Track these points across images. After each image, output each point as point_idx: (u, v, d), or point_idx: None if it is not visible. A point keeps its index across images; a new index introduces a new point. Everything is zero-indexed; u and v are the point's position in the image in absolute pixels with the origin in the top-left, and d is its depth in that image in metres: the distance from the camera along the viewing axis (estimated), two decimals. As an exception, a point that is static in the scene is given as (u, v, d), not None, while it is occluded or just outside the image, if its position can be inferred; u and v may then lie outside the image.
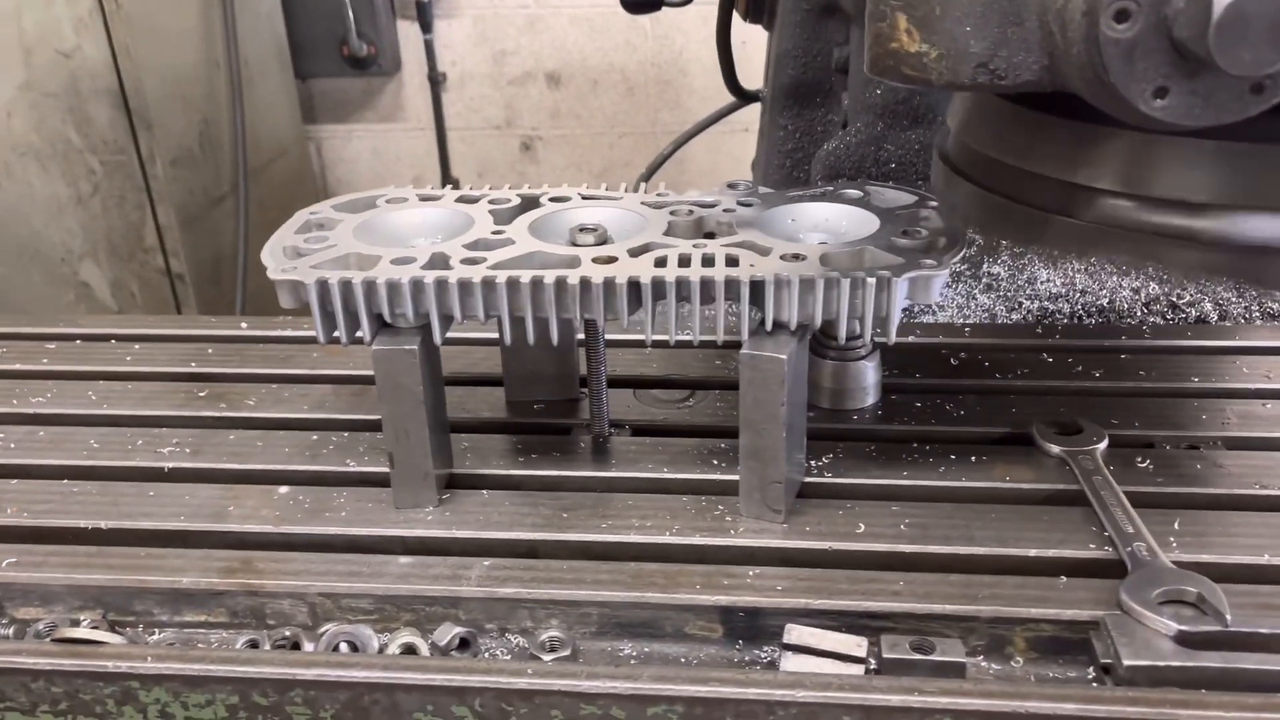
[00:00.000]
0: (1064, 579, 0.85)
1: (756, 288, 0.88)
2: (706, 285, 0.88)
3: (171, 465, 1.06)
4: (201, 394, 1.19)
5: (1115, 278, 1.41)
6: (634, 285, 0.88)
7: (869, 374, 1.11)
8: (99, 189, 2.75)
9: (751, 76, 1.90)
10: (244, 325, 1.35)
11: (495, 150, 3.71)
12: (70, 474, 1.06)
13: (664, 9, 1.77)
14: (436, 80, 3.57)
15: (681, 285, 0.88)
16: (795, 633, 0.81)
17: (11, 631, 0.88)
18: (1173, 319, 1.37)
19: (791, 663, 0.81)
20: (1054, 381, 1.14)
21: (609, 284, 0.88)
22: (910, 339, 1.25)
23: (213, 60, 3.01)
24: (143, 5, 2.66)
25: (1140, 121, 0.74)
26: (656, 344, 1.18)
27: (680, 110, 3.55)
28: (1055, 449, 1.01)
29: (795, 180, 1.65)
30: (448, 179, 3.73)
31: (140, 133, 2.70)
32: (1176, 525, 0.90)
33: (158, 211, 2.82)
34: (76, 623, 0.89)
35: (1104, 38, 0.70)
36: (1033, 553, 0.88)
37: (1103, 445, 1.01)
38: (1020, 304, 1.41)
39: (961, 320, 1.41)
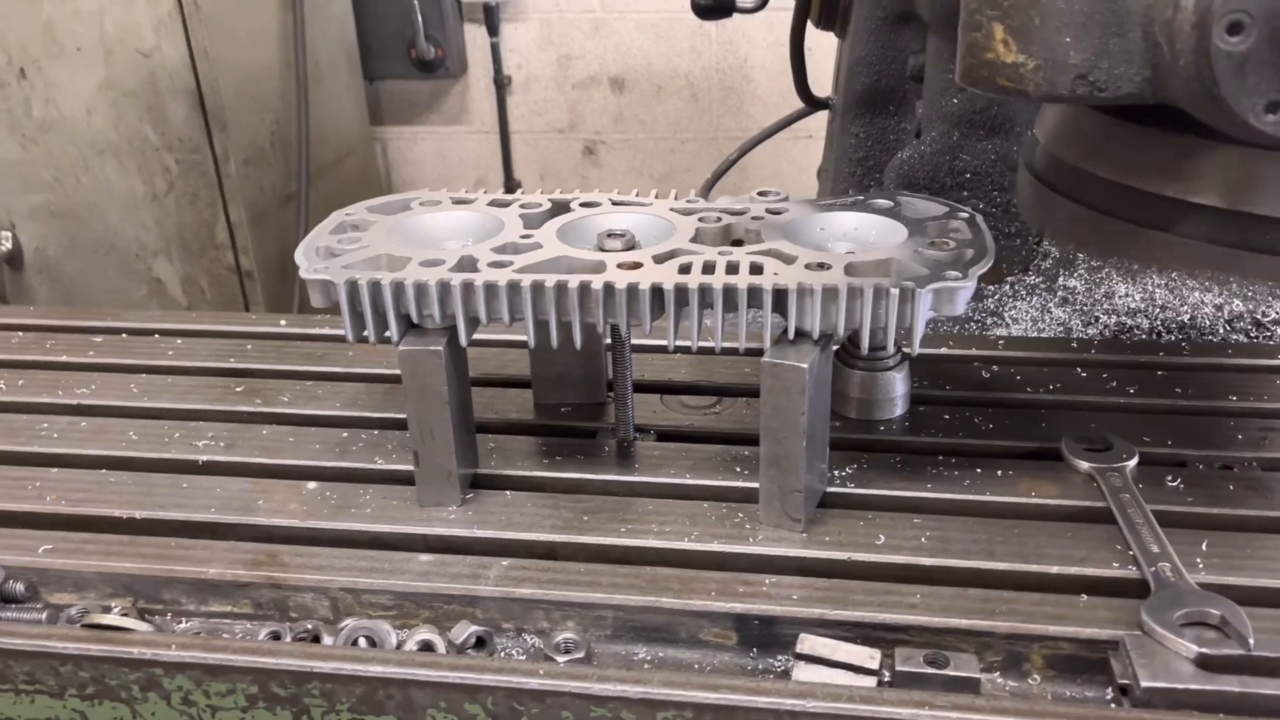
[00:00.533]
0: (1085, 597, 0.84)
1: (780, 296, 0.88)
2: (729, 292, 0.89)
3: (206, 458, 1.08)
4: (238, 389, 1.22)
5: (1197, 293, 1.38)
6: (657, 291, 0.89)
7: (897, 385, 1.10)
8: (174, 186, 2.81)
9: (819, 83, 1.89)
10: (283, 323, 1.37)
11: (558, 154, 3.73)
12: (108, 464, 1.08)
13: (733, 15, 1.77)
14: (502, 83, 3.60)
15: (705, 292, 0.89)
16: (808, 643, 0.81)
17: (44, 616, 0.91)
18: (1256, 336, 1.34)
19: (804, 672, 0.80)
20: (1086, 397, 1.13)
21: (632, 289, 0.89)
22: (942, 350, 1.24)
23: (286, 61, 3.06)
24: (220, 6, 2.71)
25: (1249, 136, 0.72)
26: (680, 349, 1.18)
27: (743, 117, 3.54)
28: (1083, 465, 1.00)
29: (866, 188, 1.64)
30: (510, 182, 3.76)
31: (215, 132, 2.75)
32: (1204, 546, 0.88)
33: (229, 209, 2.87)
34: (108, 609, 0.91)
35: (1215, 50, 0.68)
36: (1054, 570, 0.87)
37: (1132, 463, 1.00)
38: (1097, 318, 1.39)
39: (1035, 333, 1.40)
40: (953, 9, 1.40)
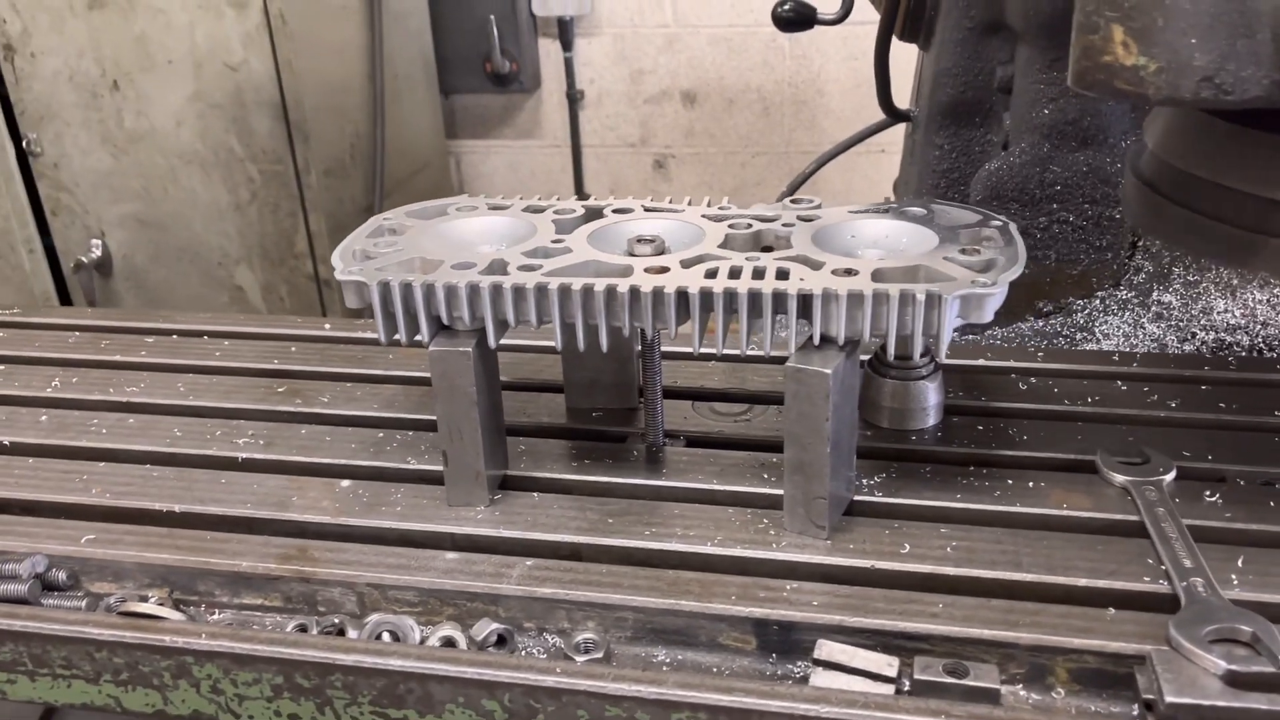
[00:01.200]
0: (1112, 611, 0.82)
1: (805, 301, 0.88)
2: (754, 297, 0.89)
3: (245, 455, 1.11)
4: (280, 389, 1.24)
5: None
6: (682, 295, 0.89)
7: (930, 394, 1.09)
8: (256, 196, 2.87)
9: (896, 95, 1.88)
10: (327, 326, 1.40)
11: (629, 167, 3.75)
12: (153, 459, 1.12)
13: (813, 27, 1.76)
14: (574, 97, 3.63)
15: (730, 296, 0.89)
16: (826, 649, 0.81)
17: (84, 604, 0.94)
18: None
19: (821, 678, 0.80)
20: (1126, 410, 1.11)
21: (657, 293, 0.89)
22: (979, 362, 1.22)
23: (366, 75, 3.12)
24: (306, 22, 2.77)
25: None
26: (706, 356, 1.18)
27: (815, 131, 3.53)
28: (1118, 478, 0.98)
29: (950, 200, 1.62)
30: (581, 195, 3.79)
31: (298, 144, 2.81)
32: (1240, 562, 0.86)
33: (309, 219, 2.92)
34: (145, 599, 0.94)
35: None
36: (1082, 582, 0.86)
37: (1169, 477, 0.98)
38: (1193, 334, 1.36)
39: (1128, 349, 1.37)
40: (1048, 17, 1.39)
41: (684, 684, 0.77)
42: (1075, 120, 1.44)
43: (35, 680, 0.89)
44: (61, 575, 0.96)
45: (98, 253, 2.93)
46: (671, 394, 1.18)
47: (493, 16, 3.46)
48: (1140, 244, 1.51)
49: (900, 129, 1.85)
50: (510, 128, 3.79)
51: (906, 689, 0.79)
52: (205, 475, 1.08)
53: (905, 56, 1.77)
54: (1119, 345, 1.39)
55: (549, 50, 3.61)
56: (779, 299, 0.89)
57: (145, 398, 1.24)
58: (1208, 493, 0.96)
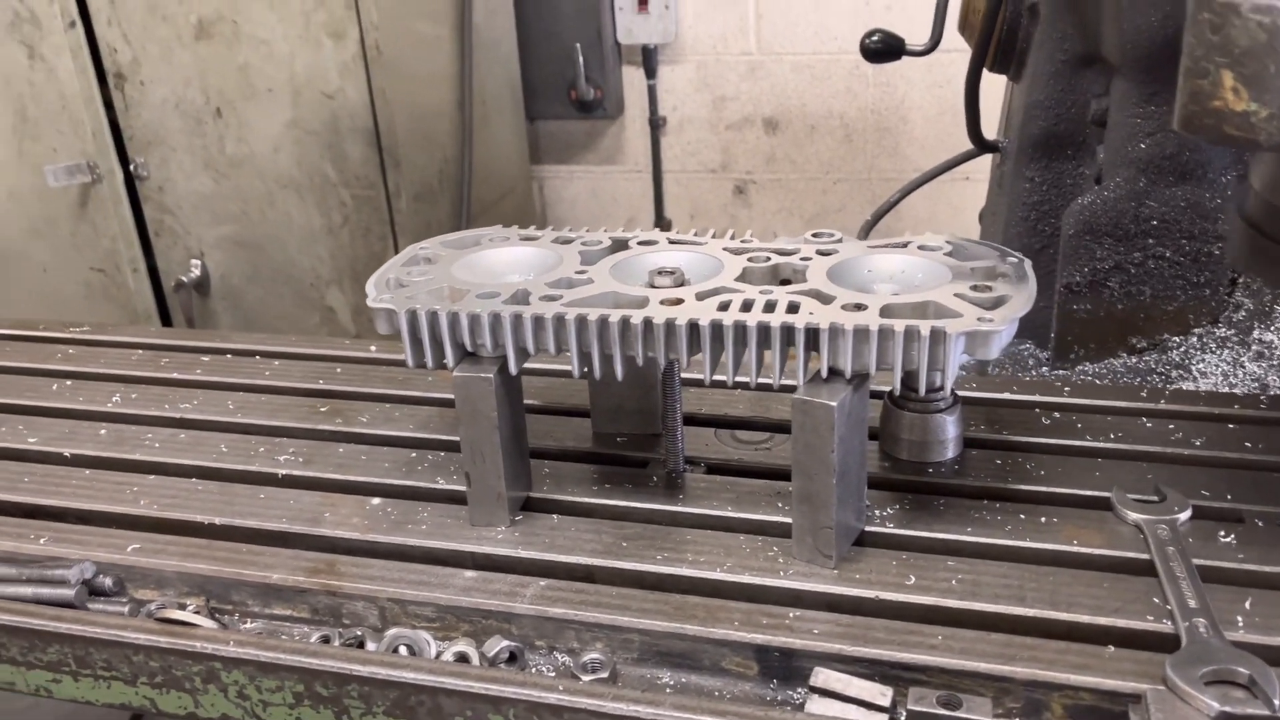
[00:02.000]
0: (1111, 649, 0.83)
1: (812, 334, 0.90)
2: (763, 329, 0.91)
3: (285, 472, 1.16)
4: (323, 409, 1.30)
5: None
6: (693, 326, 0.92)
7: (949, 428, 1.10)
8: (348, 220, 2.97)
9: (984, 125, 1.89)
10: (373, 348, 1.46)
11: (709, 193, 3.79)
12: (198, 473, 1.18)
13: (902, 58, 1.77)
14: (657, 124, 3.69)
15: (738, 329, 0.92)
16: (822, 676, 0.83)
17: (127, 610, 0.99)
18: None
19: (817, 705, 0.82)
20: (1148, 447, 1.10)
21: (669, 325, 0.92)
22: (1005, 395, 1.23)
23: (455, 102, 3.21)
24: (400, 51, 2.86)
25: None
26: (716, 384, 1.20)
27: (898, 158, 3.54)
28: (1132, 516, 0.98)
29: (1040, 233, 1.61)
30: (661, 220, 3.84)
31: (389, 169, 2.90)
32: (1248, 604, 0.86)
33: (399, 243, 3.01)
34: (183, 607, 0.99)
35: None
36: (1084, 619, 0.86)
37: (1184, 515, 0.97)
38: None
39: (1227, 388, 1.36)
40: (1146, 51, 1.39)
41: (680, 706, 0.79)
42: (1174, 155, 1.41)
43: (78, 680, 0.95)
44: (108, 581, 1.02)
45: (197, 273, 3.05)
46: (695, 421, 1.21)
47: (579, 44, 3.54)
48: (1240, 281, 1.49)
49: (986, 156, 1.84)
50: (593, 153, 3.85)
51: (900, 719, 0.80)
52: (246, 490, 1.13)
53: (993, 87, 1.77)
54: (1217, 384, 1.36)
55: (632, 77, 3.68)
56: (787, 332, 0.91)
57: (197, 414, 1.30)
58: (1222, 533, 0.95)
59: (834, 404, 0.88)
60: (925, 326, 0.87)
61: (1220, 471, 1.05)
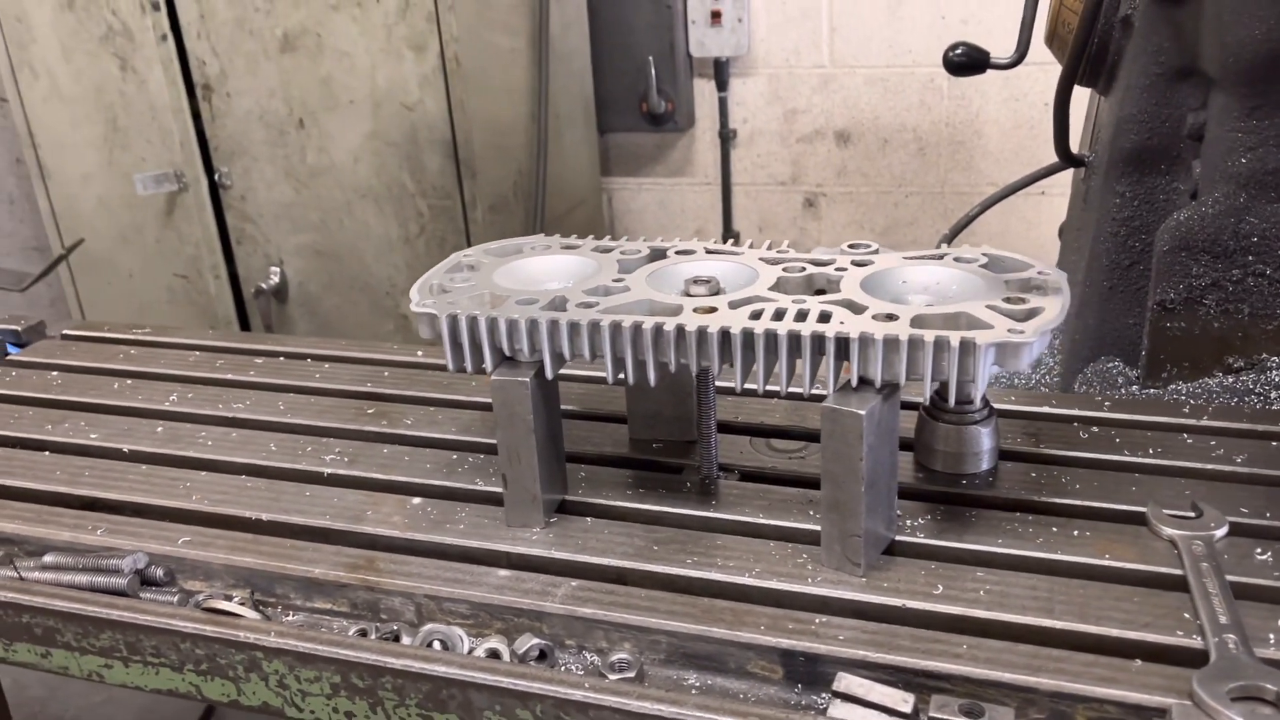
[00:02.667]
0: (1139, 662, 0.82)
1: (842, 344, 0.91)
2: (794, 338, 0.93)
3: (330, 471, 1.20)
4: (370, 411, 1.33)
5: None
6: (725, 334, 0.94)
7: (984, 439, 1.10)
8: (425, 230, 3.00)
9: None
10: (420, 353, 1.49)
11: (779, 206, 3.79)
12: (248, 471, 1.22)
13: (986, 71, 1.74)
14: (727, 136, 3.70)
15: (769, 338, 0.93)
16: (845, 681, 0.83)
17: (176, 600, 1.03)
18: None
19: (839, 710, 0.82)
20: (1187, 463, 1.09)
21: (701, 333, 0.94)
22: (1044, 409, 1.22)
23: (530, 114, 3.24)
24: (478, 64, 2.91)
25: None
26: (747, 392, 1.21)
27: (972, 172, 3.51)
28: (1167, 531, 0.97)
29: (1130, 249, 1.58)
30: (729, 232, 3.84)
31: (465, 180, 2.93)
32: (1281, 622, 0.85)
33: None
34: (229, 598, 1.02)
35: None
36: (1114, 632, 0.86)
37: (1220, 532, 0.96)
38: None
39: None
40: (1248, 64, 1.35)
41: (703, 706, 0.81)
42: (1276, 170, 1.36)
43: (129, 666, 0.99)
44: (159, 572, 1.06)
45: (276, 280, 3.11)
46: (732, 429, 1.22)
47: (651, 57, 3.56)
48: None
49: (1065, 171, 1.81)
50: (662, 165, 3.87)
51: (922, 726, 0.81)
52: (292, 488, 1.17)
53: (1076, 100, 1.70)
54: None
55: (703, 90, 3.69)
56: (818, 341, 0.92)
57: (249, 414, 1.35)
58: (1259, 550, 0.94)
59: (863, 413, 0.89)
60: (955, 337, 0.88)
61: (1260, 489, 1.04)
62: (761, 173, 3.75)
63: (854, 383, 0.92)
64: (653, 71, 3.58)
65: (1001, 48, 1.74)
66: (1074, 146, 1.73)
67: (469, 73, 2.82)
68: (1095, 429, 1.17)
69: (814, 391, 0.96)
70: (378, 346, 1.54)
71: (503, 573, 1.00)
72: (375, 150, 2.92)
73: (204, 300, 3.18)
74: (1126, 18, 1.55)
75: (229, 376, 1.46)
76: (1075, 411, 1.21)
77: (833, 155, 3.64)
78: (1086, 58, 1.58)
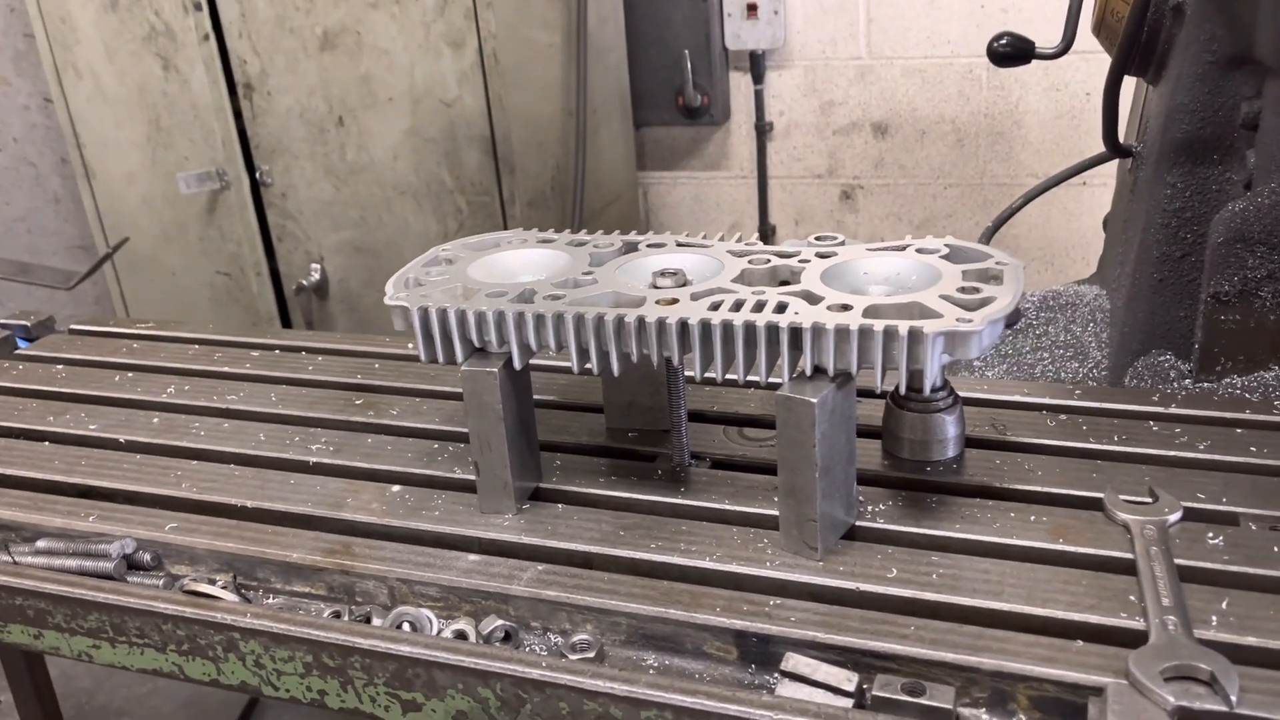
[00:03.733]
0: (1080, 643, 0.84)
1: (795, 334, 0.94)
2: (749, 329, 0.95)
3: (315, 460, 1.23)
4: (358, 401, 1.37)
5: None
6: (683, 325, 0.96)
7: (949, 427, 1.12)
8: (463, 226, 3.01)
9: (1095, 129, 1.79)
10: (410, 346, 1.52)
11: (815, 199, 3.78)
12: (237, 460, 1.26)
13: (1031, 62, 1.73)
14: (763, 129, 3.69)
15: (726, 328, 0.95)
16: (792, 661, 0.86)
17: (162, 583, 1.07)
18: None
19: (786, 689, 0.85)
20: (1150, 450, 1.11)
21: (661, 323, 0.97)
22: (1015, 398, 1.24)
23: (567, 110, 3.24)
24: (516, 59, 2.92)
25: None
26: (707, 380, 1.23)
27: (1011, 163, 3.49)
28: (1120, 516, 0.99)
29: (1181, 240, 1.57)
30: (765, 226, 3.83)
31: (504, 176, 2.93)
32: (1224, 605, 0.87)
33: None
34: (213, 582, 1.06)
35: None
36: (1059, 614, 0.88)
37: (1174, 516, 0.98)
38: None
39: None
40: None
41: (653, 684, 0.83)
42: None
43: (115, 646, 1.03)
44: (147, 557, 1.10)
45: (316, 276, 3.14)
46: (707, 418, 1.25)
47: (687, 51, 3.56)
48: None
49: (1110, 162, 1.78)
50: (697, 159, 3.86)
51: (866, 704, 0.83)
52: (278, 476, 1.20)
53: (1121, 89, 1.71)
54: None
55: (739, 83, 3.68)
56: (772, 331, 0.94)
57: (242, 405, 1.39)
58: (1210, 535, 0.96)
59: (815, 400, 0.92)
60: (903, 326, 0.90)
61: (1220, 475, 1.06)
62: (798, 165, 3.74)
63: (807, 371, 0.94)
64: (688, 65, 3.58)
65: (1043, 37, 1.72)
66: (1120, 136, 1.71)
67: (507, 69, 2.83)
68: (1063, 416, 1.19)
69: (772, 380, 0.99)
70: (371, 339, 1.57)
71: (472, 557, 1.03)
72: (414, 147, 2.94)
73: (246, 298, 3.22)
74: (1178, 6, 1.52)
75: (225, 369, 1.51)
76: (1045, 400, 1.22)
77: (870, 147, 3.63)
78: (1136, 47, 1.56)
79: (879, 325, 0.91)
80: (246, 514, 1.15)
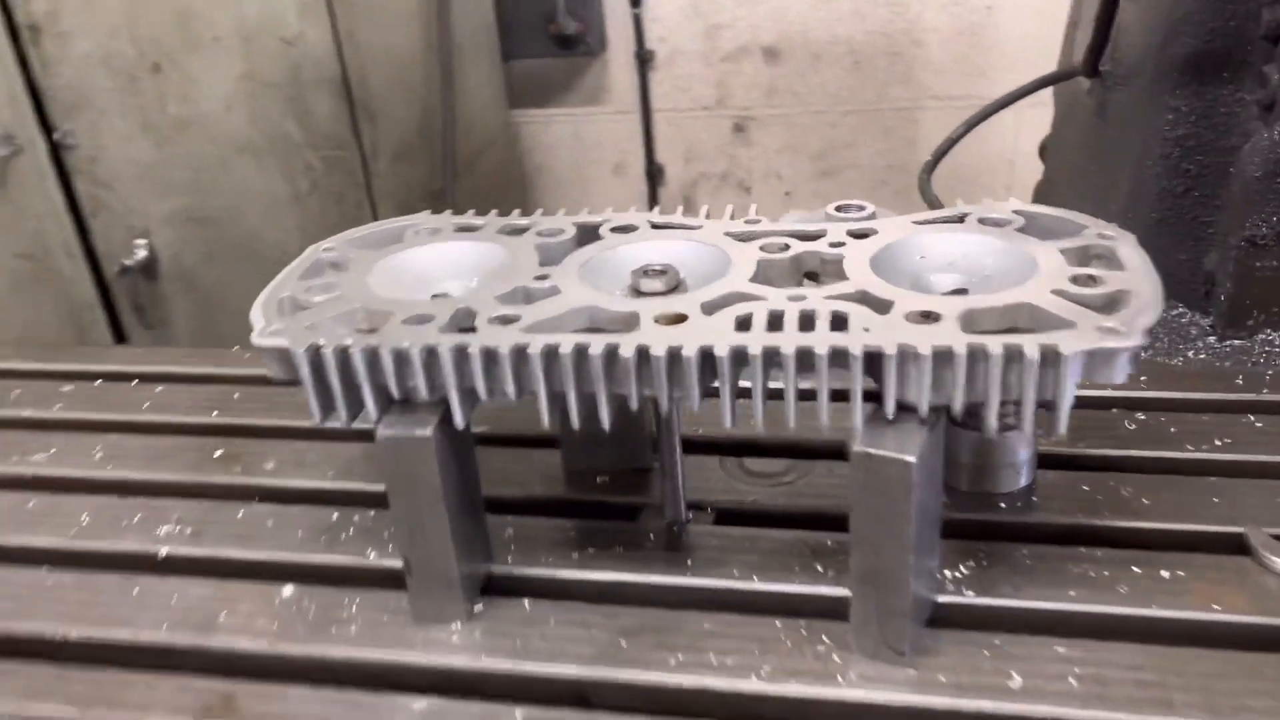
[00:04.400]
0: (1310, 779, 0.61)
1: (873, 360, 0.65)
2: (804, 356, 0.66)
3: (166, 550, 0.89)
4: (217, 453, 1.02)
5: None
6: (707, 356, 0.67)
7: (1020, 448, 0.86)
8: (318, 186, 2.61)
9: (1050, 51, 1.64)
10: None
11: (704, 133, 3.47)
12: (52, 559, 0.90)
13: None
14: (644, 58, 3.35)
15: (769, 356, 0.66)
16: None
17: (-53, 778, 0.72)
18: None
19: None
20: (1271, 458, 0.88)
21: (674, 355, 0.67)
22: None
23: (429, 44, 2.81)
24: None
25: None
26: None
27: (912, 85, 3.23)
28: (1278, 563, 0.76)
29: (1184, 173, 1.35)
30: (652, 165, 3.52)
31: (363, 125, 2.55)
32: None
33: (377, 209, 2.63)
34: (28, 765, 0.72)
35: None
36: (1259, 731, 0.64)
37: (1347, 559, 0.75)
38: None
39: None
40: None
41: None
42: None
43: None
44: (-79, 736, 0.75)
45: (143, 254, 2.70)
46: (694, 446, 0.96)
47: None
48: None
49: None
50: (574, 94, 3.50)
51: None
52: (114, 582, 0.86)
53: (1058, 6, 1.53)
54: None
55: (616, 7, 3.32)
56: (838, 359, 0.66)
57: (53, 468, 1.02)
58: (1402, 582, 0.74)
59: (913, 460, 0.64)
60: (1031, 345, 0.63)
61: (1368, 488, 0.84)
62: (684, 97, 3.44)
63: (889, 412, 0.67)
64: None
65: None
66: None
67: None
68: (1141, 415, 0.95)
69: (825, 424, 0.70)
70: (225, 357, 1.21)
71: (418, 704, 0.72)
72: (251, 94, 2.50)
73: (57, 283, 2.73)
74: None
75: (26, 414, 1.13)
76: (1109, 393, 0.98)
77: (760, 74, 3.35)
78: None
79: (995, 346, 0.63)
80: (71, 651, 0.80)
